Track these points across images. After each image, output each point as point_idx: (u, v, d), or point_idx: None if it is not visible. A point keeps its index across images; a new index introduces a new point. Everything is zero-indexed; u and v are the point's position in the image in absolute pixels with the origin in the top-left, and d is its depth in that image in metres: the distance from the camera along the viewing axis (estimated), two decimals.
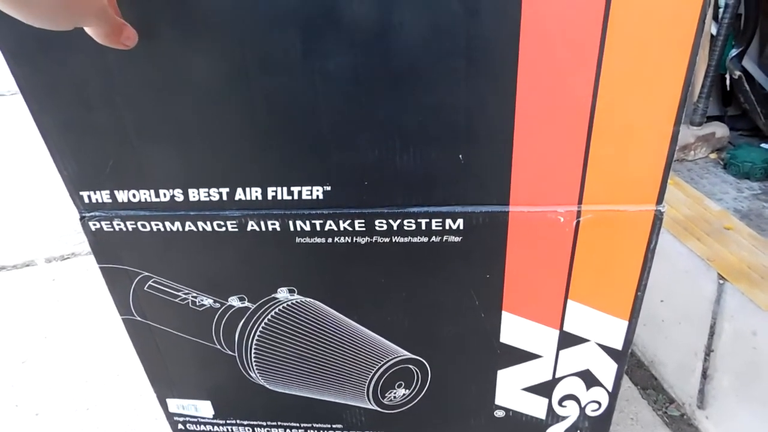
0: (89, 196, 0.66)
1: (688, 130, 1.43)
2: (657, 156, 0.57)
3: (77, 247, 1.43)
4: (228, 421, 0.88)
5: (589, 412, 0.79)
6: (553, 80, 0.54)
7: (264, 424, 0.87)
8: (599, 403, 0.77)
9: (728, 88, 1.46)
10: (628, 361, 1.04)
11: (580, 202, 0.61)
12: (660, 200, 0.60)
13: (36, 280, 1.34)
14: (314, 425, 0.86)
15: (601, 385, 0.75)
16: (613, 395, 0.76)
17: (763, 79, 1.42)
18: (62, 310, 1.22)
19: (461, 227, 0.63)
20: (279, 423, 0.87)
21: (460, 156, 0.59)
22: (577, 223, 0.62)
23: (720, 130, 1.46)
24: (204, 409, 0.87)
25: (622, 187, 0.60)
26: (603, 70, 0.53)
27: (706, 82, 1.38)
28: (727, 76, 1.43)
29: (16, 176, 1.79)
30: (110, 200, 0.66)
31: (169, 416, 0.89)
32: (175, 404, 0.87)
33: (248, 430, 0.89)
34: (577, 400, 0.78)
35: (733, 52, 1.37)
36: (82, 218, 0.68)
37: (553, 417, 0.80)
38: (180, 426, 0.90)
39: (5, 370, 1.07)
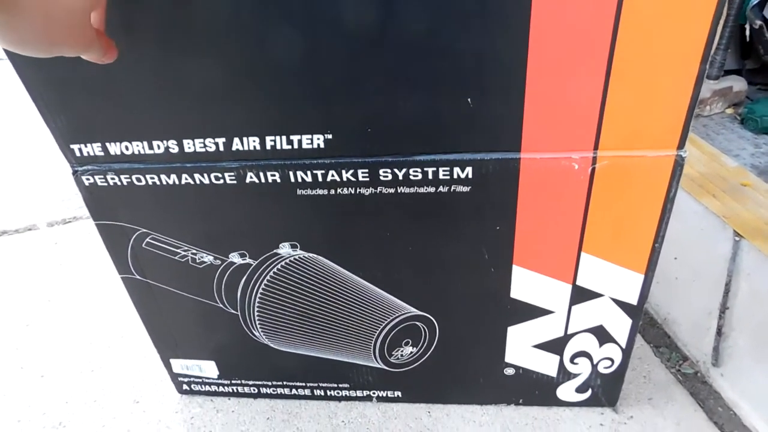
0: (80, 149, 0.64)
1: (704, 84, 1.38)
2: (681, 97, 0.53)
3: (79, 210, 1.41)
4: (233, 381, 0.87)
5: (601, 369, 0.77)
6: (569, 16, 0.50)
7: (269, 384, 0.86)
8: (612, 360, 0.75)
9: (747, 40, 1.40)
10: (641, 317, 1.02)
11: (596, 147, 0.57)
12: (681, 145, 0.57)
13: (38, 244, 1.32)
14: (320, 385, 0.85)
15: (615, 342, 0.73)
16: (627, 352, 0.74)
17: None
18: (65, 273, 1.21)
19: (470, 176, 0.60)
20: (285, 383, 0.86)
21: (469, 100, 0.55)
22: (593, 170, 0.58)
23: (738, 84, 1.40)
24: (208, 369, 0.85)
25: (641, 132, 0.56)
26: (624, 4, 0.49)
27: (724, 32, 1.32)
28: (747, 27, 1.37)
29: (17, 141, 1.77)
30: (102, 153, 0.64)
31: (174, 377, 0.88)
32: (179, 365, 0.86)
33: (254, 390, 0.87)
34: (590, 357, 0.75)
35: (754, 0, 1.31)
36: (74, 173, 0.66)
37: (564, 374, 0.78)
38: (185, 387, 0.89)
39: (10, 332, 1.06)
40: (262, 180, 0.63)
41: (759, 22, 1.31)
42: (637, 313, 0.70)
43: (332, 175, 0.61)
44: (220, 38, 0.54)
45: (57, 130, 0.63)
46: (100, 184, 0.66)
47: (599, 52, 0.51)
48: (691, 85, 0.52)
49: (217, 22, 0.53)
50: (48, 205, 1.45)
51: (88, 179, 0.66)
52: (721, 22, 1.36)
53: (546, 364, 0.77)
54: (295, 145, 0.60)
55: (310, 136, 0.59)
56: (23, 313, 1.11)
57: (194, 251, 0.71)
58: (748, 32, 1.39)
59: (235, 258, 0.71)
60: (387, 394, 0.84)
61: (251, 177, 0.63)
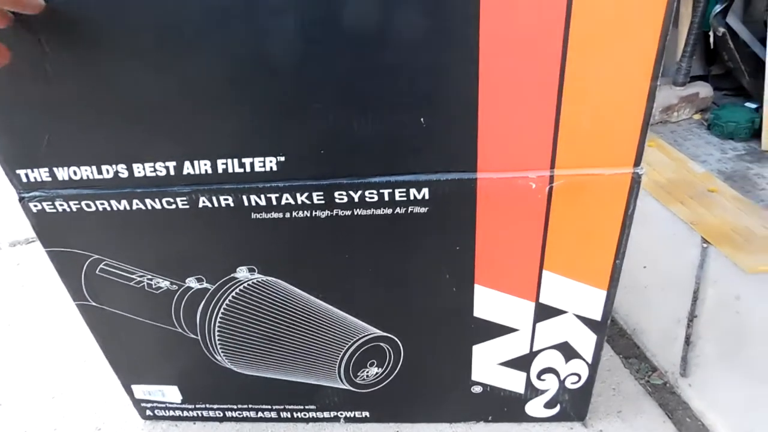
0: (26, 175, 0.62)
1: (671, 90, 1.39)
2: (633, 115, 0.53)
3: None
4: (197, 406, 0.85)
5: (568, 384, 0.76)
6: (518, 36, 0.49)
7: (235, 407, 0.84)
8: (579, 376, 0.75)
9: (712, 47, 1.42)
10: (610, 329, 1.02)
11: (552, 166, 0.57)
12: (638, 162, 0.56)
13: (0, 265, 1.29)
14: (287, 407, 0.83)
15: (581, 357, 0.73)
16: (593, 367, 0.73)
17: (747, 37, 1.37)
18: (26, 295, 1.18)
19: (426, 197, 0.59)
20: (250, 406, 0.84)
21: (422, 120, 0.54)
22: (550, 188, 0.58)
23: (704, 90, 1.42)
24: (171, 394, 0.83)
25: (596, 150, 0.55)
26: (572, 22, 0.48)
27: (689, 40, 1.33)
28: (711, 34, 1.38)
29: None
30: (50, 178, 0.61)
31: (136, 402, 0.86)
32: (141, 390, 0.84)
33: (219, 413, 0.85)
34: (556, 373, 0.75)
35: (717, 8, 1.32)
36: (21, 199, 0.63)
37: (532, 391, 0.77)
38: (148, 412, 0.87)
39: None
40: (215, 204, 0.61)
41: (722, 30, 1.33)
42: (602, 328, 0.69)
43: (287, 199, 0.60)
44: (167, 58, 0.53)
45: (1, 154, 0.60)
46: (48, 210, 0.64)
47: (550, 70, 0.51)
48: (643, 102, 0.52)
49: (163, 42, 0.52)
50: (10, 224, 1.41)
51: (36, 206, 0.64)
52: (686, 29, 1.37)
53: (513, 381, 0.76)
54: (248, 168, 0.59)
55: (262, 159, 0.58)
56: None
57: (150, 276, 0.69)
58: (712, 39, 1.40)
59: (192, 283, 0.69)
60: (355, 414, 0.83)
61: (204, 201, 0.61)
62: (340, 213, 0.61)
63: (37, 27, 0.51)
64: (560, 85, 0.51)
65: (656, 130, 1.38)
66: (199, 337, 0.74)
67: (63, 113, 0.57)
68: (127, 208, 0.63)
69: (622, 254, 0.63)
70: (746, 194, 1.13)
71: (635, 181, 0.57)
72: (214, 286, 0.69)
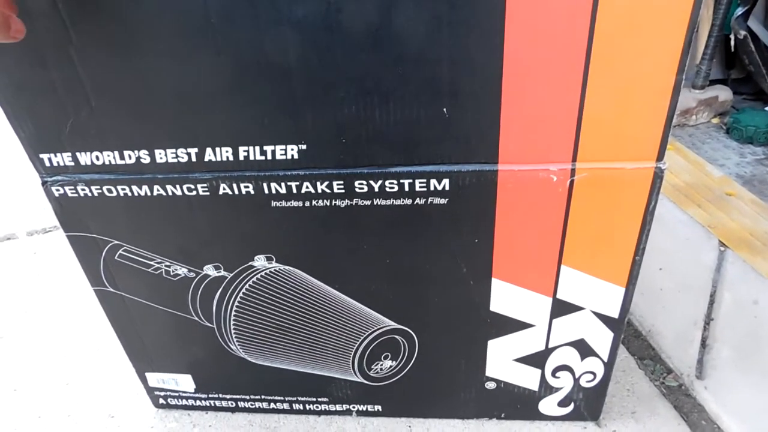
0: (50, 159, 0.62)
1: (689, 93, 1.38)
2: (657, 108, 0.53)
3: None
4: (210, 395, 0.85)
5: (583, 383, 0.75)
6: (544, 25, 0.49)
7: (247, 397, 0.84)
8: (594, 374, 0.74)
9: (732, 50, 1.40)
10: (625, 330, 1.01)
11: (574, 159, 0.56)
12: (660, 157, 0.56)
13: (17, 254, 1.30)
14: (299, 399, 0.83)
15: (597, 355, 0.72)
16: (609, 365, 0.73)
17: None
18: (43, 283, 1.19)
19: (447, 188, 0.59)
20: (263, 397, 0.84)
21: (445, 110, 0.54)
22: (571, 182, 0.57)
23: (723, 93, 1.40)
24: (184, 383, 0.84)
25: (619, 143, 0.55)
26: (599, 12, 0.48)
27: (709, 42, 1.32)
28: (732, 37, 1.37)
29: None
30: (72, 163, 0.62)
31: (149, 391, 0.86)
32: (154, 378, 0.84)
33: (231, 404, 0.86)
34: (572, 370, 0.74)
35: (739, 11, 1.31)
36: (44, 183, 0.64)
37: (546, 388, 0.77)
38: (161, 401, 0.87)
39: None
40: (236, 192, 0.61)
41: (743, 33, 1.32)
42: (619, 326, 0.69)
43: (307, 187, 0.60)
44: (190, 46, 0.53)
45: (25, 138, 0.61)
46: (70, 195, 0.64)
47: (575, 61, 0.50)
48: (668, 95, 0.52)
49: (187, 29, 0.52)
50: (27, 213, 1.42)
51: (57, 190, 0.64)
52: (706, 32, 1.36)
53: (527, 378, 0.76)
54: (269, 156, 0.59)
55: (284, 147, 0.58)
56: None
57: (168, 263, 0.69)
58: (733, 42, 1.39)
59: (209, 270, 0.69)
60: (367, 408, 0.83)
61: (224, 188, 0.61)
62: (360, 203, 0.61)
63: (64, 12, 0.51)
64: (585, 76, 0.51)
65: (674, 134, 1.37)
66: (215, 326, 0.74)
67: (86, 99, 0.57)
68: (148, 194, 0.63)
69: (642, 250, 0.62)
70: (765, 198, 1.12)
71: (657, 176, 0.57)
72: (231, 274, 0.69)
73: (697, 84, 1.38)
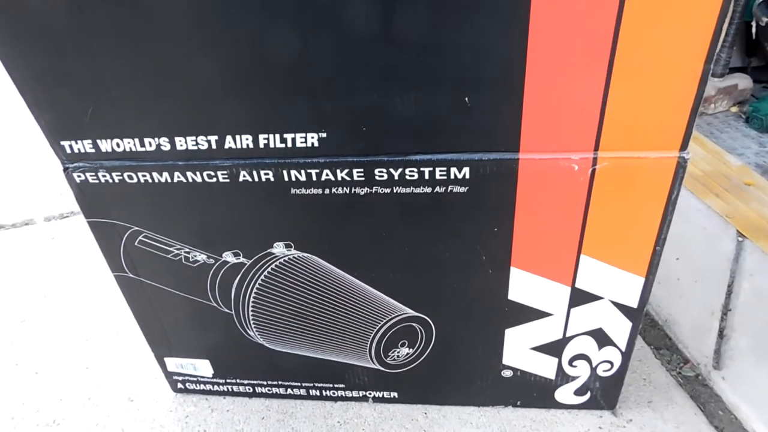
0: (71, 146, 0.63)
1: (709, 81, 1.36)
2: (684, 96, 0.52)
3: (76, 205, 1.40)
4: (228, 380, 0.86)
5: (600, 372, 0.75)
6: (569, 12, 0.48)
7: (265, 383, 0.85)
8: (611, 363, 0.74)
9: (753, 37, 1.38)
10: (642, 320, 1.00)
11: (596, 148, 0.56)
12: (684, 146, 0.55)
13: (35, 239, 1.31)
14: (316, 385, 0.84)
15: (614, 345, 0.72)
16: (627, 355, 0.73)
17: None
18: (61, 268, 1.20)
19: (467, 176, 0.58)
20: (280, 382, 0.85)
21: (467, 99, 0.54)
22: (593, 171, 0.57)
23: (743, 81, 1.38)
24: (203, 368, 0.85)
25: (643, 132, 0.55)
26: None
27: (730, 29, 1.30)
28: (753, 24, 1.35)
29: (14, 135, 1.76)
30: (93, 150, 0.62)
31: (168, 375, 0.87)
32: (173, 363, 0.85)
33: (249, 389, 0.87)
34: (589, 360, 0.74)
35: None
36: (65, 169, 0.65)
37: (562, 377, 0.77)
38: (180, 385, 0.88)
39: (5, 329, 1.06)
40: (256, 179, 0.61)
41: (765, 20, 1.29)
42: (638, 316, 0.69)
43: (327, 175, 0.60)
44: (213, 35, 0.53)
45: (46, 126, 0.61)
46: (91, 181, 0.65)
47: (601, 48, 0.50)
48: (695, 84, 0.51)
49: (209, 18, 0.52)
50: (45, 199, 1.44)
51: (79, 176, 0.65)
52: (727, 19, 1.34)
53: (544, 367, 0.76)
54: (289, 144, 0.59)
55: (303, 135, 0.58)
56: (19, 309, 1.10)
57: (187, 250, 0.70)
58: (754, 29, 1.36)
59: (228, 257, 0.70)
60: (383, 394, 0.83)
61: (244, 176, 0.61)
62: (380, 190, 0.61)
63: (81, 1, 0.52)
64: (610, 64, 0.50)
65: None
66: (233, 312, 0.75)
67: (107, 87, 0.57)
68: (168, 180, 0.63)
69: (663, 241, 0.62)
70: None
71: (680, 166, 0.56)
72: (250, 261, 0.70)
73: (717, 72, 1.36)
